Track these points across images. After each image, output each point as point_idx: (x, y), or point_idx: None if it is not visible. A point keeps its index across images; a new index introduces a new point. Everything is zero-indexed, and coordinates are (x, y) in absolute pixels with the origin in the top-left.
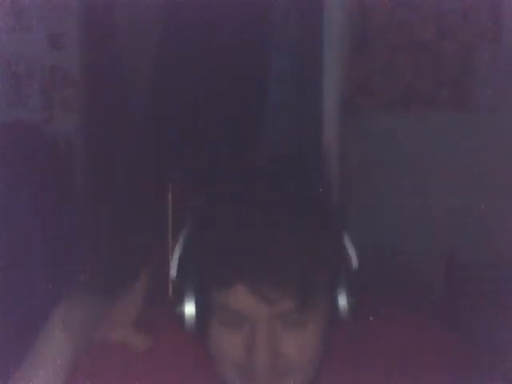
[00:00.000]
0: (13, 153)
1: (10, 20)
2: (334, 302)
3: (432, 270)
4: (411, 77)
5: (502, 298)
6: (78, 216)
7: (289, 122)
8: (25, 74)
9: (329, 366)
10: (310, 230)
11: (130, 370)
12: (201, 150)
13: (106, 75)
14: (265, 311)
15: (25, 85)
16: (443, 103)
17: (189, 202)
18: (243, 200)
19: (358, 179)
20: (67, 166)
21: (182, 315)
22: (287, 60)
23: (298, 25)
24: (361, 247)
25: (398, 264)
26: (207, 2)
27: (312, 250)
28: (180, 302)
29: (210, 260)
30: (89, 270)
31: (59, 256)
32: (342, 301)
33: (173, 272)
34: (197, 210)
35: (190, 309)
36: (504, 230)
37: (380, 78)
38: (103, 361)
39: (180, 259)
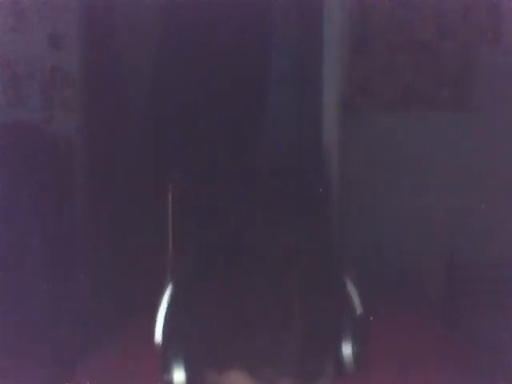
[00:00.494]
0: (13, 153)
1: (10, 20)
2: (339, 358)
3: (432, 270)
4: (411, 77)
5: (502, 298)
6: (78, 216)
7: (289, 122)
8: (25, 74)
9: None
10: (309, 307)
11: None
12: (201, 150)
13: (106, 75)
14: None
15: (25, 85)
16: (443, 103)
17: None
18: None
19: (357, 179)
20: (67, 166)
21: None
22: (287, 60)
23: (297, 25)
24: (360, 246)
25: (397, 264)
26: (207, 2)
27: (314, 330)
28: (168, 371)
29: (201, 337)
30: (89, 270)
31: (59, 256)
32: (347, 354)
33: (157, 337)
34: (184, 273)
35: (179, 379)
36: (504, 229)
37: (380, 78)
38: None
39: (165, 324)
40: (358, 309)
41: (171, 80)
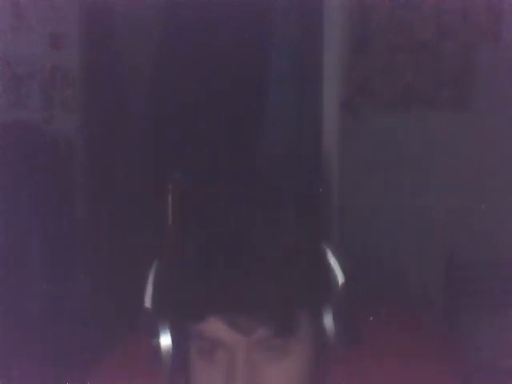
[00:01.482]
0: (13, 153)
1: (10, 20)
2: (320, 326)
3: (432, 270)
4: (411, 77)
5: (502, 298)
6: (77, 215)
7: (289, 122)
8: (25, 74)
9: (329, 365)
10: (285, 254)
11: None
12: (201, 150)
13: (106, 75)
14: (242, 341)
15: (25, 85)
16: (443, 103)
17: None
18: (215, 231)
19: (357, 179)
20: (67, 166)
21: (158, 348)
22: (287, 60)
23: (298, 25)
24: (360, 247)
25: (398, 264)
26: (207, 2)
27: (286, 276)
28: (155, 334)
29: (181, 292)
30: (89, 269)
31: (59, 255)
32: (328, 324)
33: (147, 301)
34: (170, 241)
35: (166, 341)
36: (504, 230)
37: (380, 78)
38: None
39: (154, 289)
40: (340, 277)
41: (171, 80)
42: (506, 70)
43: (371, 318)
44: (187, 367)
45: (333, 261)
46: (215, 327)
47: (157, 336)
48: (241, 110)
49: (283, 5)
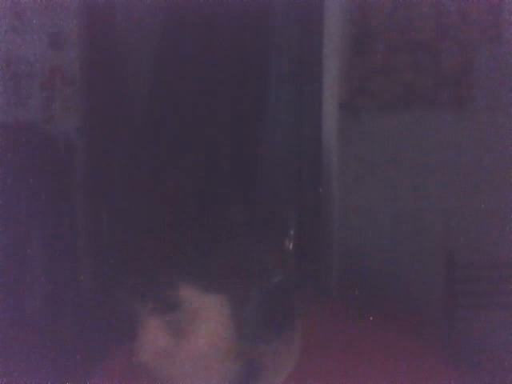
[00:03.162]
0: (13, 153)
1: (10, 20)
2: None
3: (432, 270)
4: (411, 77)
5: (502, 298)
6: (77, 215)
7: (289, 122)
8: (25, 74)
9: (329, 365)
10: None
11: None
12: (201, 150)
13: (106, 75)
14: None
15: (25, 85)
16: (443, 103)
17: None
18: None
19: (357, 178)
20: (67, 166)
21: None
22: (287, 60)
23: (297, 25)
24: (360, 247)
25: (398, 264)
26: (207, 2)
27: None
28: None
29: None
30: (89, 269)
31: (59, 255)
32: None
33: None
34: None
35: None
36: (504, 230)
37: (380, 78)
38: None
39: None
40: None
41: (171, 80)
42: (506, 69)
43: (371, 318)
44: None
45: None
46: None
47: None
48: (241, 110)
49: (283, 5)
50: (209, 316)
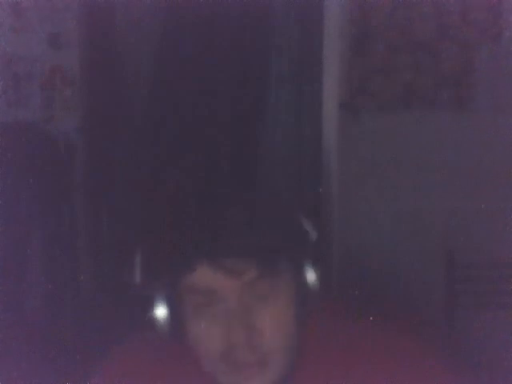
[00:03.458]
0: (13, 153)
1: (10, 20)
2: (301, 275)
3: (432, 270)
4: (411, 77)
5: (502, 298)
6: (77, 215)
7: (289, 122)
8: (25, 74)
9: (330, 364)
10: (264, 207)
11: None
12: (200, 150)
13: (106, 75)
14: (233, 285)
15: (25, 85)
16: (443, 103)
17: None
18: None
19: (357, 178)
20: (67, 166)
21: (155, 318)
22: (287, 60)
23: (298, 25)
24: (360, 247)
25: (398, 264)
26: (207, 2)
27: (267, 223)
28: (150, 306)
29: (170, 250)
30: (89, 269)
31: (59, 255)
32: (310, 275)
33: (137, 279)
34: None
35: (161, 310)
36: (504, 230)
37: (380, 78)
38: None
39: (142, 262)
40: (313, 236)
41: (171, 80)
42: (506, 69)
43: (371, 318)
44: (187, 329)
45: (305, 222)
46: (206, 276)
47: (151, 308)
48: (241, 110)
49: (283, 5)
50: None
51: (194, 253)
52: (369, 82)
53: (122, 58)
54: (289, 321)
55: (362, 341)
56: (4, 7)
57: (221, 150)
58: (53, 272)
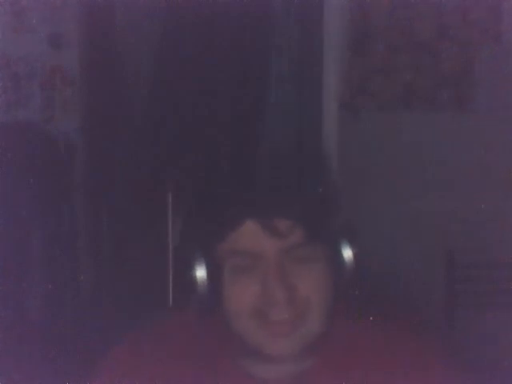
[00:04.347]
0: (13, 153)
1: (10, 20)
2: (337, 243)
3: (432, 270)
4: (411, 77)
5: (502, 298)
6: (77, 215)
7: (289, 122)
8: (25, 74)
9: (331, 364)
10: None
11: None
12: (200, 150)
13: (106, 75)
14: (275, 246)
15: (25, 85)
16: (443, 103)
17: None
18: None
19: (357, 179)
20: (67, 166)
21: (193, 278)
22: (287, 60)
23: (298, 25)
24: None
25: (398, 264)
26: (207, 2)
27: (314, 190)
28: (188, 266)
29: (217, 205)
30: (89, 269)
31: (59, 255)
32: (344, 243)
33: (175, 241)
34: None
35: (200, 271)
36: (504, 230)
37: (380, 78)
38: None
39: (184, 223)
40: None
41: (171, 80)
42: (506, 69)
43: (371, 318)
44: (223, 290)
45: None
46: (251, 232)
47: (190, 270)
48: (241, 110)
49: (283, 5)
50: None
51: (240, 213)
52: (369, 81)
53: (122, 57)
54: (325, 286)
55: (361, 341)
56: (4, 7)
57: (221, 149)
58: (53, 272)
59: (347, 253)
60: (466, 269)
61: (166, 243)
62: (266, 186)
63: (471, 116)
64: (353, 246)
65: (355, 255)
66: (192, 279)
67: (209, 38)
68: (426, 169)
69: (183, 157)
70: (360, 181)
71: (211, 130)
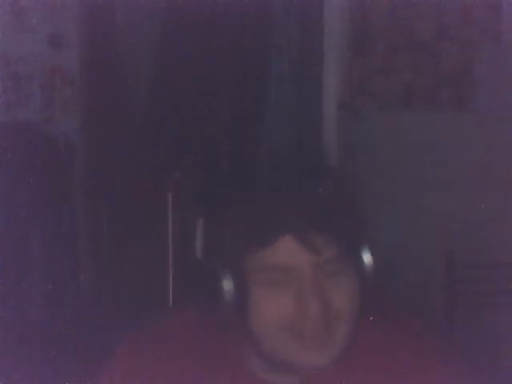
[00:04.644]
0: (13, 153)
1: (10, 20)
2: (361, 255)
3: (432, 270)
4: (411, 77)
5: (502, 298)
6: (77, 215)
7: (289, 122)
8: (25, 74)
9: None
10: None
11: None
12: (200, 150)
13: (106, 75)
14: (311, 261)
15: (25, 85)
16: (443, 103)
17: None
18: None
19: (357, 179)
20: (67, 166)
21: (219, 290)
22: (287, 60)
23: (298, 25)
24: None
25: (398, 264)
26: (207, 2)
27: (343, 204)
28: (214, 278)
29: (252, 219)
30: (89, 269)
31: (59, 255)
32: (366, 255)
33: (199, 252)
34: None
35: (227, 283)
36: (504, 230)
37: (380, 78)
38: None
39: (207, 235)
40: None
41: (171, 80)
42: (506, 69)
43: (371, 318)
44: (251, 305)
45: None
46: (287, 246)
47: (216, 284)
48: (241, 110)
49: (283, 5)
50: None
51: (276, 228)
52: (369, 81)
53: (122, 57)
54: (355, 299)
55: (361, 341)
56: (4, 7)
57: (221, 149)
58: (53, 272)
59: (368, 262)
60: (466, 269)
61: (166, 243)
62: (299, 200)
63: (471, 116)
64: (373, 254)
65: (375, 263)
66: (218, 293)
67: (209, 37)
68: (426, 169)
69: (184, 157)
70: (360, 180)
71: (211, 131)
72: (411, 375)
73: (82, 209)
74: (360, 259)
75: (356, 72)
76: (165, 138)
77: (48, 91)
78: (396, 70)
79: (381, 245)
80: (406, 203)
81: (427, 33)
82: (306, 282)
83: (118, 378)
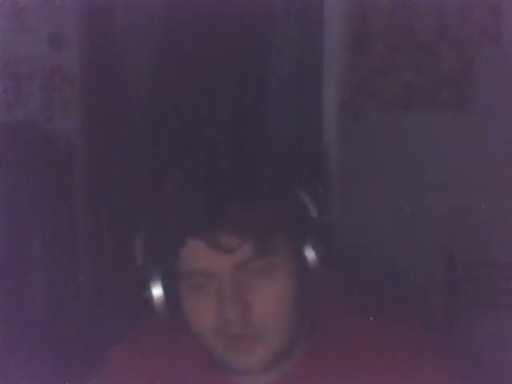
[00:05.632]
0: (13, 153)
1: (10, 20)
2: (298, 250)
3: (432, 270)
4: (411, 77)
5: (502, 298)
6: (77, 215)
7: (289, 122)
8: (25, 74)
9: (330, 364)
10: (260, 183)
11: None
12: (200, 150)
13: (106, 75)
14: (226, 262)
15: (25, 85)
16: (443, 103)
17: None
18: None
19: (357, 179)
20: (67, 166)
21: (151, 299)
22: (287, 60)
23: (298, 25)
24: (362, 249)
25: (398, 264)
26: (207, 2)
27: (261, 198)
28: (147, 287)
29: (165, 228)
30: (89, 269)
31: (59, 255)
32: (307, 249)
33: (139, 261)
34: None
35: (157, 290)
36: (504, 230)
37: (380, 78)
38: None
39: (143, 244)
40: (313, 212)
41: (171, 80)
42: (506, 69)
43: (371, 318)
44: (184, 309)
45: (305, 198)
46: (200, 252)
47: (148, 289)
48: (240, 110)
49: (283, 5)
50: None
51: (188, 232)
52: (369, 82)
53: (122, 57)
54: (285, 296)
55: (361, 340)
56: (4, 7)
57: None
58: (53, 272)
59: (302, 260)
60: (465, 269)
61: None
62: (210, 204)
63: (471, 116)
64: (323, 247)
65: (317, 264)
66: (153, 299)
67: (209, 37)
68: (425, 169)
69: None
70: (360, 180)
71: (210, 130)
72: (411, 375)
73: (82, 209)
74: (290, 257)
75: (356, 72)
76: (165, 137)
77: (48, 91)
78: (396, 69)
79: (381, 245)
80: (405, 203)
81: (427, 33)
82: (222, 285)
83: (117, 378)
